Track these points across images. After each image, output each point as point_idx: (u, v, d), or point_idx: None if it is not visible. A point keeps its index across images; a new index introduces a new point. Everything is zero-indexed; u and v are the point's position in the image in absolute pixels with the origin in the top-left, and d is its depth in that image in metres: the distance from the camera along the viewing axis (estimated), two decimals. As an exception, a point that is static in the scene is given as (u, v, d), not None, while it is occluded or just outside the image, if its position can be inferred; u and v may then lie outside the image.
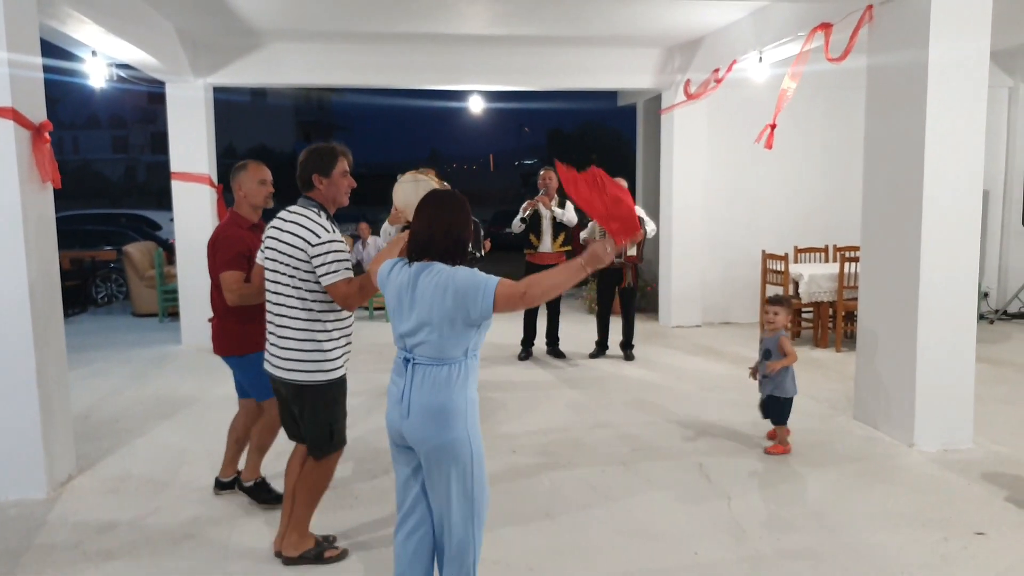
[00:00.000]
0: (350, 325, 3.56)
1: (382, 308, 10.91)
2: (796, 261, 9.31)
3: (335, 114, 59.36)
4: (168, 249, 11.54)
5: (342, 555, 3.76)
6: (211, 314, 4.30)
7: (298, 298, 3.39)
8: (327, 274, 3.32)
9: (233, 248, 3.98)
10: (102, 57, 6.91)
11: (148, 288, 11.09)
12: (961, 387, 5.28)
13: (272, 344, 3.48)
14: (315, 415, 3.49)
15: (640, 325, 8.22)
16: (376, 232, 10.98)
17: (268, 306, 3.50)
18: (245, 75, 9.01)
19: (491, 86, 9.82)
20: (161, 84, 8.64)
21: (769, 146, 7.03)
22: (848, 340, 8.52)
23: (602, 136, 48.64)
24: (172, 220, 9.23)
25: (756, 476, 4.84)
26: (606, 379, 7.33)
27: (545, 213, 7.84)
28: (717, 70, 8.31)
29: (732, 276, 10.15)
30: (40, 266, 4.55)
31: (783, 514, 4.27)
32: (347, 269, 3.35)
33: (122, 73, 7.80)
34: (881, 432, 5.54)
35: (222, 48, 8.75)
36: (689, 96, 9.04)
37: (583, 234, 8.02)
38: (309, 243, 3.33)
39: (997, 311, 9.93)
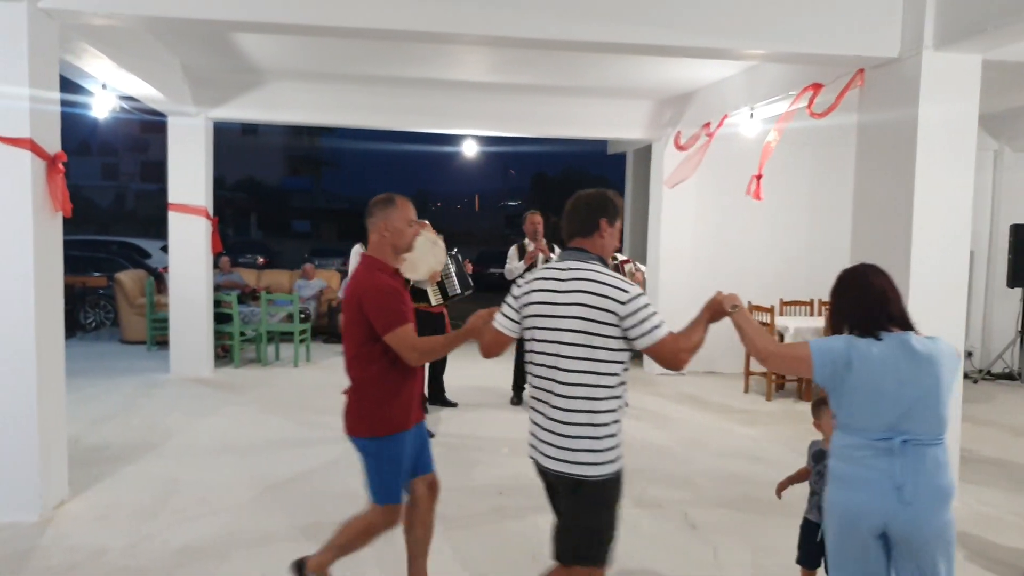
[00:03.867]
0: None
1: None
2: (782, 313, 9.46)
3: (324, 150, 59.67)
4: (158, 278, 11.57)
5: None
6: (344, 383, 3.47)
7: (589, 372, 2.79)
8: (652, 329, 2.76)
9: (397, 298, 3.27)
10: (110, 90, 7.04)
11: (137, 316, 11.12)
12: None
13: (544, 429, 2.90)
14: (591, 515, 2.90)
15: (625, 371, 8.34)
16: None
17: (539, 381, 2.92)
18: (244, 110, 9.17)
19: (483, 131, 10.03)
20: (160, 115, 8.77)
21: (758, 197, 7.21)
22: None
23: (586, 182, 49.20)
24: (162, 249, 9.28)
25: (741, 526, 4.91)
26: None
27: (539, 259, 7.90)
28: (708, 124, 8.54)
29: (717, 326, 10.17)
30: (47, 292, 4.66)
31: (767, 564, 4.35)
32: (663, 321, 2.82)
33: (125, 105, 7.92)
34: (862, 484, 5.62)
35: (223, 84, 8.90)
36: (679, 147, 9.26)
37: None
38: (619, 302, 2.75)
39: (981, 371, 10.11)
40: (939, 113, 5.18)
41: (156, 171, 39.89)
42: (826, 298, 9.72)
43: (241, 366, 9.80)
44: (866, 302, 2.76)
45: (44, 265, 4.61)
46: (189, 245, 8.90)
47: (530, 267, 7.87)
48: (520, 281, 3.04)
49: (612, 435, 2.86)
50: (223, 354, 10.24)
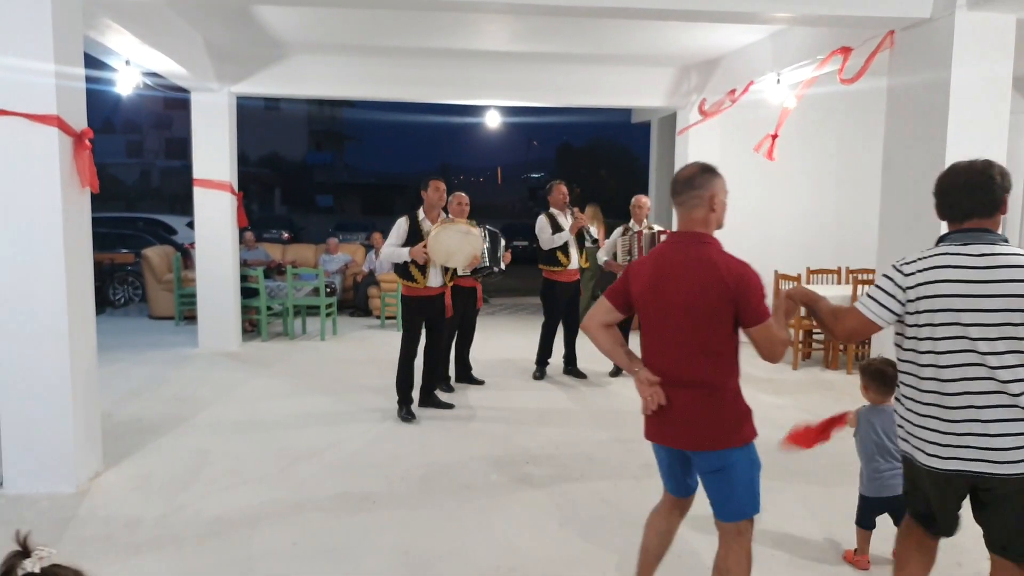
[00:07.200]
0: None
1: (393, 317, 11.02)
2: (809, 282, 9.37)
3: (346, 124, 59.73)
4: (185, 253, 11.69)
5: None
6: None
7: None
8: None
9: (762, 285, 2.84)
10: (134, 66, 7.06)
11: (165, 291, 11.25)
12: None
13: (985, 435, 2.65)
14: None
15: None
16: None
17: (958, 383, 2.68)
18: (267, 85, 9.17)
19: (506, 101, 9.97)
20: (183, 91, 8.80)
21: (771, 157, 7.10)
22: (859, 362, 8.56)
23: (611, 152, 48.87)
24: (188, 225, 9.35)
25: (767, 492, 4.88)
26: (620, 395, 7.40)
27: (588, 230, 7.74)
28: (733, 91, 8.42)
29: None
30: (77, 268, 4.71)
31: (795, 531, 4.35)
32: None
33: (149, 81, 7.95)
34: (891, 452, 5.59)
35: (246, 58, 8.91)
36: (703, 114, 9.15)
37: (600, 253, 8.02)
38: None
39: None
40: (972, 75, 5.07)
41: (180, 147, 40.24)
42: (854, 266, 9.60)
43: (268, 340, 9.90)
44: None
45: (74, 241, 4.66)
46: (215, 220, 8.97)
47: (579, 236, 7.70)
48: (903, 266, 2.77)
49: None
50: (250, 328, 10.35)
